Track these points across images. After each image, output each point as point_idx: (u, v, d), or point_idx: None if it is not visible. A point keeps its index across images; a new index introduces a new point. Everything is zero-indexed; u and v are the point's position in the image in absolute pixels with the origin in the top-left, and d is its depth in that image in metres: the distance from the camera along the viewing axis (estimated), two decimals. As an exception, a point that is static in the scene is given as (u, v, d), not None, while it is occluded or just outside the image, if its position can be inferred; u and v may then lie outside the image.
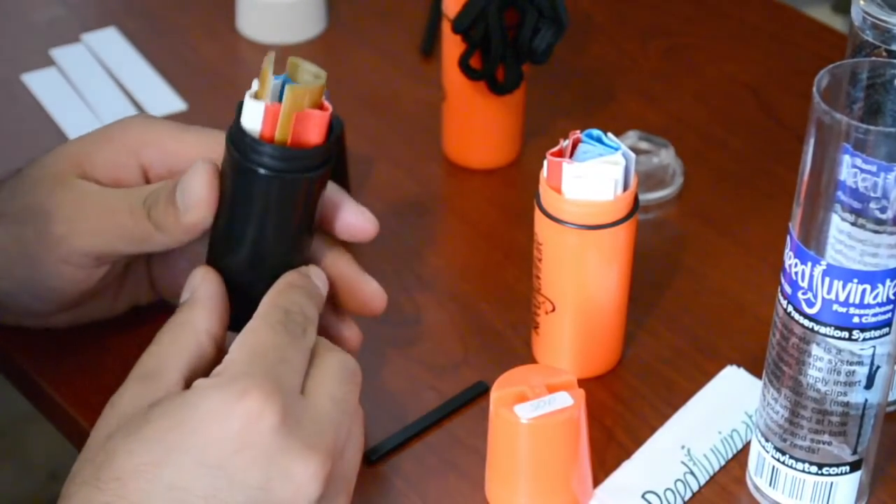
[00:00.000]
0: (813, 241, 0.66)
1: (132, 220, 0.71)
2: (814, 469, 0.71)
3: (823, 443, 0.70)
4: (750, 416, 0.77)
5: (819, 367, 0.68)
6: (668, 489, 0.74)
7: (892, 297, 0.66)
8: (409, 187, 0.95)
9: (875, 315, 0.66)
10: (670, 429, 0.77)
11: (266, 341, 0.65)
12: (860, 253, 0.65)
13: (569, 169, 0.74)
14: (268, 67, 0.66)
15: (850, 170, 0.63)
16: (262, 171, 0.67)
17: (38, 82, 1.03)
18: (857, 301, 0.66)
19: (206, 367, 0.67)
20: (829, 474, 0.71)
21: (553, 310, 0.78)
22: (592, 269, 0.77)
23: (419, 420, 0.78)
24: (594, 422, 0.77)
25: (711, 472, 0.76)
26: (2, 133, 0.99)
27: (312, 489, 0.63)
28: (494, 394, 0.71)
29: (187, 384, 0.65)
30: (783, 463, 0.72)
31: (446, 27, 0.91)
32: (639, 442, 0.77)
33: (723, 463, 0.76)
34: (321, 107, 0.68)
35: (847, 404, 0.69)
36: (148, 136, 0.74)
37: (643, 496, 0.73)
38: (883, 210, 0.63)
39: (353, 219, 0.73)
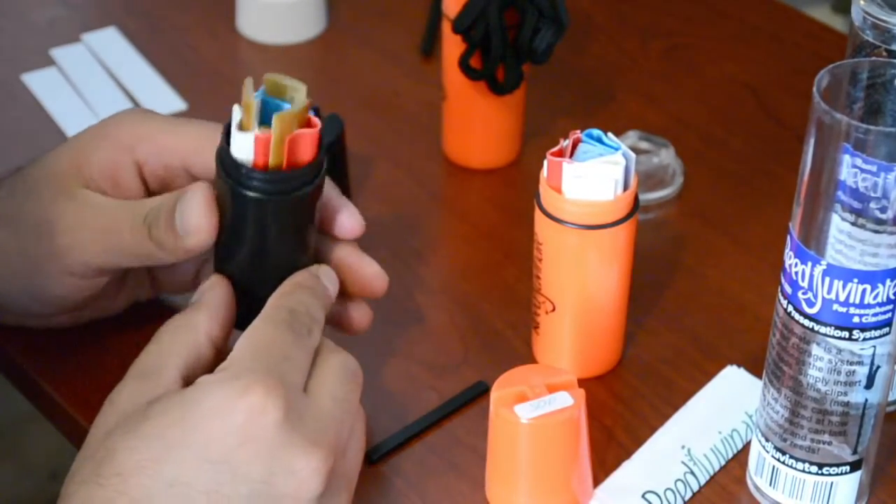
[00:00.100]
0: (813, 240, 0.66)
1: (133, 240, 0.72)
2: (814, 469, 0.71)
3: (823, 443, 0.70)
4: (750, 416, 0.77)
5: (819, 366, 0.68)
6: (668, 489, 0.74)
7: (892, 296, 0.66)
8: (409, 187, 0.95)
9: (875, 315, 0.66)
10: (670, 429, 0.77)
11: (270, 339, 0.65)
12: (860, 253, 0.65)
13: (569, 169, 0.74)
14: (248, 95, 0.66)
15: (850, 170, 0.63)
16: (259, 196, 0.67)
17: (38, 82, 1.03)
18: (858, 301, 0.66)
19: (203, 369, 0.67)
20: (830, 474, 0.71)
21: (553, 310, 0.78)
22: (592, 269, 0.77)
23: (419, 420, 0.78)
24: (594, 422, 0.77)
25: (712, 472, 0.76)
26: (2, 133, 0.99)
27: (314, 485, 0.63)
28: (494, 394, 0.71)
29: (185, 383, 0.65)
30: (783, 463, 0.72)
31: (446, 27, 0.91)
32: (639, 442, 0.77)
33: (723, 463, 0.76)
34: (309, 122, 0.68)
35: (847, 404, 0.69)
36: (142, 130, 0.74)
37: (643, 496, 0.73)
38: (883, 210, 0.63)
39: (346, 219, 0.74)
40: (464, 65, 0.90)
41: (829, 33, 1.10)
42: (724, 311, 0.85)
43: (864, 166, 0.62)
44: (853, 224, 0.64)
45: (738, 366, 0.80)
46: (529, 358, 0.82)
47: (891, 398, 0.77)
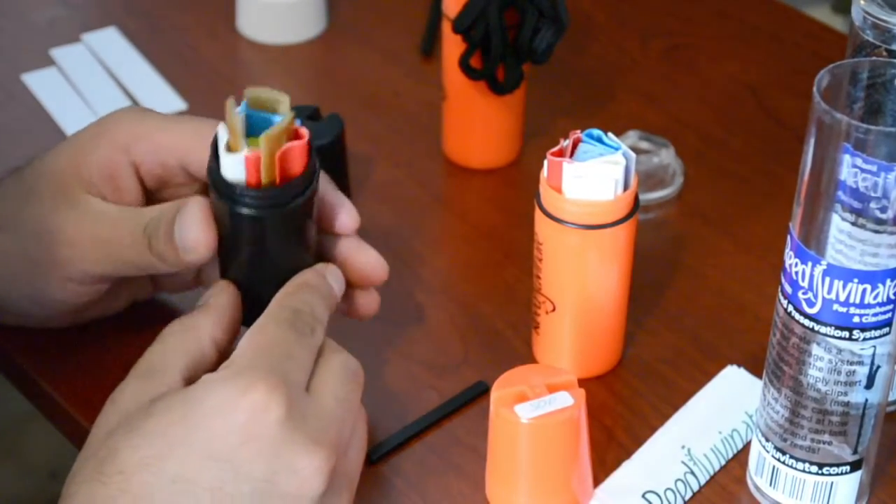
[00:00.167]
0: (813, 240, 0.66)
1: (134, 252, 0.72)
2: (814, 469, 0.71)
3: (824, 442, 0.70)
4: (750, 416, 0.77)
5: (819, 366, 0.68)
6: (668, 489, 0.74)
7: (892, 296, 0.66)
8: (409, 187, 0.95)
9: (875, 315, 0.66)
10: (670, 429, 0.77)
11: (273, 338, 0.66)
12: (860, 253, 0.65)
13: (569, 169, 0.74)
14: (232, 116, 0.66)
15: (850, 169, 0.63)
16: (254, 212, 0.68)
17: (38, 82, 1.03)
18: (858, 301, 0.66)
19: (205, 371, 0.67)
20: (830, 474, 0.71)
21: (553, 310, 0.78)
22: (593, 269, 0.77)
23: (419, 420, 0.78)
24: (594, 422, 0.77)
25: (712, 472, 0.76)
26: (2, 133, 0.99)
27: (317, 483, 0.63)
28: (494, 394, 0.71)
29: (187, 384, 0.65)
30: (783, 463, 0.72)
31: (446, 27, 0.91)
32: (639, 442, 0.77)
33: (723, 463, 0.76)
34: (297, 134, 0.68)
35: (847, 404, 0.69)
36: (139, 129, 0.74)
37: (643, 496, 0.73)
38: (883, 210, 0.63)
39: (343, 216, 0.74)
40: (464, 65, 0.90)
41: (829, 33, 1.10)
42: (724, 311, 0.85)
43: (865, 166, 0.62)
44: (853, 224, 0.64)
45: (738, 366, 0.80)
46: (529, 358, 0.82)
47: (891, 398, 0.77)
